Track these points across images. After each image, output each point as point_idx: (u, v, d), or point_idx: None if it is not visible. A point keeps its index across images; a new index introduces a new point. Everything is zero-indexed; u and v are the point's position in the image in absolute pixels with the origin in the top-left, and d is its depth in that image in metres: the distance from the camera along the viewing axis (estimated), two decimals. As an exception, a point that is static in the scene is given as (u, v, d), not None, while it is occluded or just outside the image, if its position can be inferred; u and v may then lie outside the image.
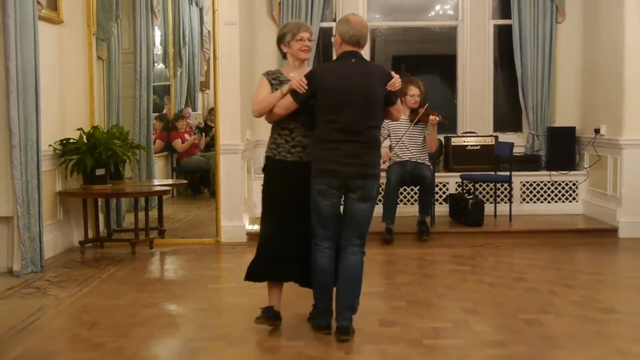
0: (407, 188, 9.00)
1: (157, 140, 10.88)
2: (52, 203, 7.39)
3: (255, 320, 4.85)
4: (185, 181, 10.60)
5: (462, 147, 9.30)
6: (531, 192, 9.23)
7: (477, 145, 9.30)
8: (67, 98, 7.67)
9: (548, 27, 9.32)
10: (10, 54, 6.34)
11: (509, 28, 9.50)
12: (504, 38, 9.73)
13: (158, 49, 11.39)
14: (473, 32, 9.68)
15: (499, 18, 9.74)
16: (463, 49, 9.74)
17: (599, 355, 4.46)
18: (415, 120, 7.85)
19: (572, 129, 9.27)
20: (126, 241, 7.68)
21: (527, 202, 9.22)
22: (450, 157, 9.30)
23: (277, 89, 4.78)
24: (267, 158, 4.91)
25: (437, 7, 10.11)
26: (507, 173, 8.62)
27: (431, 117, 7.76)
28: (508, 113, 9.92)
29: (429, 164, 8.10)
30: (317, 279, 4.73)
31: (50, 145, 7.27)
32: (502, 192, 9.10)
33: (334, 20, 9.48)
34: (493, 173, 8.91)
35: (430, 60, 10.76)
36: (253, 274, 4.88)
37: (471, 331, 4.93)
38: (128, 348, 4.64)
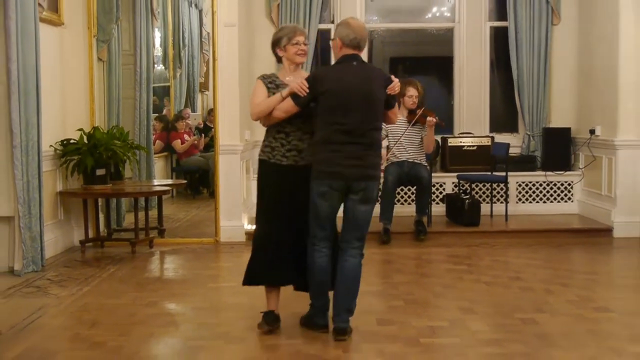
0: (404, 188, 9.00)
1: (157, 141, 10.88)
2: (52, 203, 7.39)
3: (257, 326, 4.84)
4: (185, 181, 10.61)
5: (459, 148, 9.31)
6: (527, 192, 9.24)
7: (473, 146, 9.31)
8: (67, 99, 7.67)
9: (544, 29, 9.33)
10: (12, 55, 6.33)
11: (505, 30, 9.51)
12: (500, 40, 9.74)
13: (158, 51, 11.38)
14: (469, 34, 9.69)
15: (495, 20, 9.75)
16: (459, 51, 9.75)
17: (594, 354, 4.46)
18: (413, 121, 7.86)
19: (568, 129, 9.28)
20: (126, 241, 7.68)
21: (523, 202, 9.22)
22: (447, 157, 9.30)
23: (273, 93, 4.73)
24: (262, 161, 4.86)
25: (434, 9, 10.11)
26: (503, 173, 8.63)
27: (428, 118, 7.76)
28: (504, 114, 9.93)
29: (426, 164, 8.11)
30: (314, 278, 4.72)
31: (51, 145, 7.27)
32: (498, 192, 9.10)
33: (332, 22, 9.48)
34: (489, 173, 8.91)
35: (427, 62, 10.75)
36: (251, 277, 4.86)
37: (468, 330, 4.93)
38: (128, 347, 4.64)
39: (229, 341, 4.73)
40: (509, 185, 8.88)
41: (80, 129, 7.61)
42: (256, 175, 5.12)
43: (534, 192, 9.24)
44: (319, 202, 4.61)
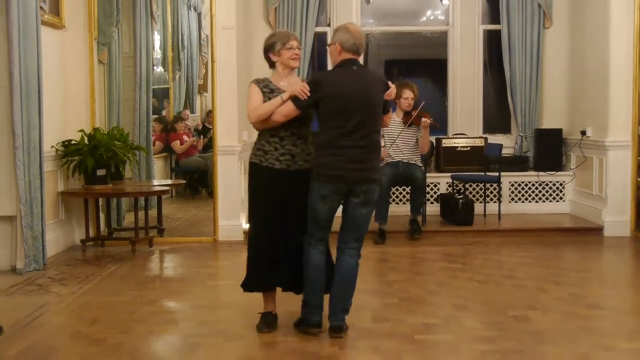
0: (399, 188, 9.01)
1: (157, 142, 10.87)
2: (54, 203, 7.38)
3: (256, 328, 4.82)
4: (184, 181, 10.61)
5: (453, 149, 9.32)
6: (519, 192, 9.25)
7: (467, 147, 9.31)
8: (68, 101, 7.66)
9: (536, 32, 9.34)
10: (14, 58, 6.32)
11: (498, 33, 9.53)
12: (493, 43, 9.76)
13: (157, 53, 11.37)
14: (463, 36, 9.69)
15: (488, 23, 9.76)
16: (453, 53, 9.75)
17: (586, 350, 4.47)
18: (409, 123, 7.86)
19: (559, 130, 9.29)
20: (126, 240, 7.68)
21: (516, 202, 9.23)
22: (441, 158, 9.31)
23: (269, 97, 4.68)
24: (253, 164, 4.80)
25: (429, 13, 10.13)
26: (496, 173, 8.63)
27: (423, 119, 7.78)
28: (497, 115, 9.94)
29: (421, 164, 8.11)
30: (310, 275, 4.69)
31: (52, 146, 7.26)
32: (491, 192, 9.10)
33: (329, 25, 9.49)
34: (482, 173, 8.92)
35: (422, 64, 10.77)
36: (248, 285, 4.85)
37: (461, 327, 4.94)
38: (128, 344, 4.64)
39: (228, 338, 4.73)
40: (502, 185, 8.89)
41: (81, 130, 7.60)
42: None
43: (526, 192, 9.25)
44: (319, 205, 4.58)
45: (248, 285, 4.86)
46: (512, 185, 9.22)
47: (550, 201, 9.24)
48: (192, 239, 8.09)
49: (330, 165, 4.53)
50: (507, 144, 9.49)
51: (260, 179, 4.74)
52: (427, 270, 6.85)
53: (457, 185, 8.94)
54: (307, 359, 4.37)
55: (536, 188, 9.24)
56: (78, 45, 7.85)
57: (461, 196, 8.56)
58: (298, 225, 4.70)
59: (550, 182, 9.23)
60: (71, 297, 5.75)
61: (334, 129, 4.53)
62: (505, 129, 9.83)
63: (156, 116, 11.10)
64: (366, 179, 4.58)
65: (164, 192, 8.69)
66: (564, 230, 8.36)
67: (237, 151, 7.91)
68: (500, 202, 8.83)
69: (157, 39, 11.24)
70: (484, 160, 9.04)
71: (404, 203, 9.02)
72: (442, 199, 8.84)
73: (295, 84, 4.71)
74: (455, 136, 9.50)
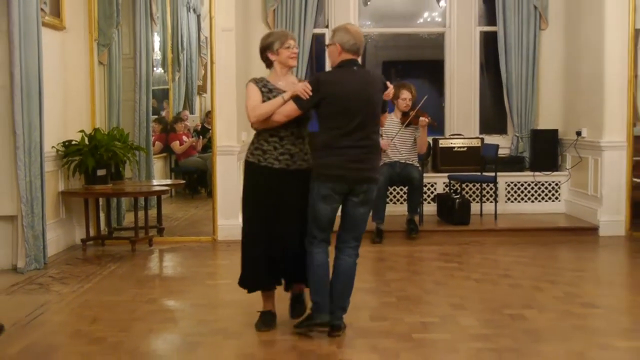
0: (396, 188, 9.01)
1: (156, 142, 10.86)
2: (54, 202, 7.38)
3: (255, 326, 4.82)
4: (183, 181, 10.59)
5: (450, 149, 9.32)
6: (515, 192, 9.25)
7: (463, 147, 9.32)
8: (69, 101, 7.65)
9: (532, 34, 9.35)
10: (15, 59, 6.32)
11: (494, 35, 9.53)
12: (489, 44, 9.76)
13: (157, 54, 11.36)
14: (460, 38, 9.70)
15: (484, 25, 9.77)
16: (450, 55, 9.76)
17: (581, 349, 4.47)
18: (407, 122, 7.87)
19: (555, 131, 9.30)
20: (126, 239, 7.67)
21: (512, 202, 9.24)
22: (438, 158, 9.32)
23: (267, 97, 4.64)
24: (250, 164, 4.73)
25: (426, 14, 10.13)
26: (493, 174, 8.64)
27: (421, 118, 7.79)
28: (493, 116, 9.95)
29: (418, 165, 8.11)
30: (316, 274, 4.63)
31: (53, 146, 7.26)
32: (487, 192, 9.12)
33: (327, 26, 9.50)
34: (479, 174, 8.93)
35: (419, 65, 10.77)
36: (245, 282, 4.84)
37: (458, 325, 4.94)
38: (128, 342, 4.64)
39: (227, 337, 4.73)
40: (498, 185, 8.90)
41: (82, 131, 7.60)
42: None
43: (522, 191, 9.25)
44: (321, 205, 4.55)
45: (246, 284, 4.85)
46: (508, 185, 9.23)
47: (546, 201, 9.25)
48: (192, 238, 8.09)
49: (331, 165, 4.51)
50: (504, 144, 9.51)
51: (258, 178, 4.71)
52: (424, 270, 6.85)
53: (454, 185, 8.94)
54: (306, 358, 4.37)
55: (532, 188, 9.25)
56: (78, 47, 7.85)
57: (458, 196, 8.56)
58: (296, 224, 4.68)
59: (546, 182, 9.23)
60: (71, 296, 5.75)
61: (334, 129, 4.51)
62: (502, 130, 9.84)
63: (156, 117, 11.09)
64: (366, 179, 4.58)
65: (163, 192, 8.68)
66: (560, 229, 8.36)
67: (236, 151, 7.91)
68: (496, 202, 8.84)
69: (156, 40, 11.23)
70: (480, 161, 9.05)
71: (401, 203, 9.02)
72: (439, 199, 8.85)
73: (293, 84, 4.70)
74: (452, 137, 9.51)
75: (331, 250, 4.75)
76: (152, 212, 8.59)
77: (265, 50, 4.78)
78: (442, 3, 9.90)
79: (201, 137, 11.79)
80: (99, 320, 5.09)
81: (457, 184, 8.92)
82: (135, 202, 7.71)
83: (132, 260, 7.12)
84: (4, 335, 4.58)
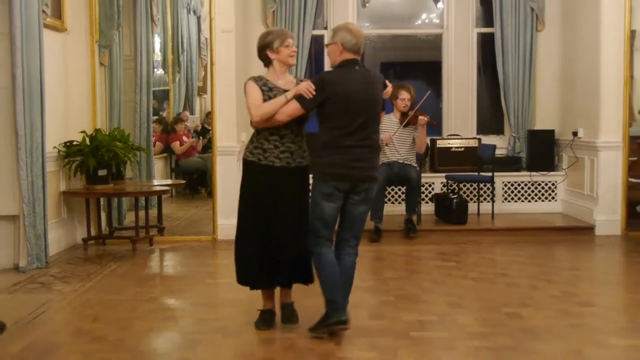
0: (394, 188, 9.02)
1: (157, 143, 10.87)
2: (56, 202, 7.37)
3: (255, 325, 4.82)
4: (184, 181, 10.61)
5: (447, 149, 9.33)
6: (512, 191, 9.25)
7: (461, 147, 9.32)
8: (70, 102, 7.65)
9: (529, 35, 9.35)
10: (17, 61, 6.32)
11: (491, 36, 9.53)
12: (487, 45, 9.77)
13: (157, 56, 11.36)
14: (457, 39, 9.70)
15: (482, 26, 9.77)
16: (448, 56, 9.76)
17: (577, 347, 4.47)
18: (405, 122, 7.88)
19: (551, 131, 9.30)
20: (127, 238, 7.68)
21: (509, 202, 9.24)
22: (436, 158, 9.32)
23: (268, 96, 4.60)
24: (250, 163, 4.69)
25: (424, 16, 10.14)
26: (490, 174, 8.64)
27: (420, 117, 7.79)
28: (491, 116, 9.96)
29: (416, 165, 8.12)
30: (329, 274, 4.56)
31: (54, 147, 7.26)
32: (485, 192, 9.12)
33: (325, 28, 9.49)
34: (476, 174, 8.93)
35: (417, 67, 10.78)
36: (243, 278, 4.82)
37: (456, 324, 4.94)
38: (129, 340, 4.64)
39: (227, 335, 4.72)
40: (495, 185, 8.89)
41: (83, 131, 7.60)
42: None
43: (519, 191, 9.26)
44: (325, 204, 4.53)
45: (244, 280, 4.81)
46: (505, 185, 9.23)
47: (543, 201, 9.25)
48: (192, 237, 8.09)
49: (334, 164, 4.49)
50: (501, 144, 9.50)
51: (258, 177, 4.68)
52: (422, 269, 6.86)
53: (451, 185, 8.94)
54: (304, 356, 4.38)
55: (529, 188, 9.25)
56: (80, 48, 7.85)
57: (455, 196, 8.57)
58: (294, 223, 4.67)
59: (543, 182, 9.24)
60: (73, 294, 5.75)
61: (337, 129, 4.49)
62: (499, 130, 9.84)
63: (156, 117, 11.10)
64: (368, 178, 4.58)
65: (164, 191, 8.69)
66: (556, 229, 8.37)
67: (236, 152, 7.91)
68: (493, 201, 8.84)
69: (157, 41, 11.23)
70: (477, 161, 9.05)
71: (399, 203, 9.03)
72: (437, 199, 8.85)
73: (292, 83, 4.70)
74: (449, 137, 9.51)
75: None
76: (153, 212, 8.59)
77: (265, 48, 4.73)
78: (439, 5, 9.90)
79: (201, 137, 11.80)
80: (100, 319, 5.09)
81: (454, 183, 8.93)
82: (136, 202, 7.72)
83: (133, 260, 7.12)
84: (6, 334, 4.59)
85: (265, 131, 4.66)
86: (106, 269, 6.65)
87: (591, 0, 8.31)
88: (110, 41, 8.30)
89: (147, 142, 9.49)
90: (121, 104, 8.73)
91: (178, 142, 11.25)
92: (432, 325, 4.93)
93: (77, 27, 7.76)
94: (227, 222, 7.89)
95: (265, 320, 4.82)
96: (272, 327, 4.81)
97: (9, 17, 6.30)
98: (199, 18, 12.68)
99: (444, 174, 9.01)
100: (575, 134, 8.72)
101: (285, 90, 4.61)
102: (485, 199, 9.05)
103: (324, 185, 4.52)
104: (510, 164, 9.33)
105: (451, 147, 9.33)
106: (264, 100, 4.61)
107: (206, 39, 11.84)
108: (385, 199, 8.40)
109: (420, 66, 10.73)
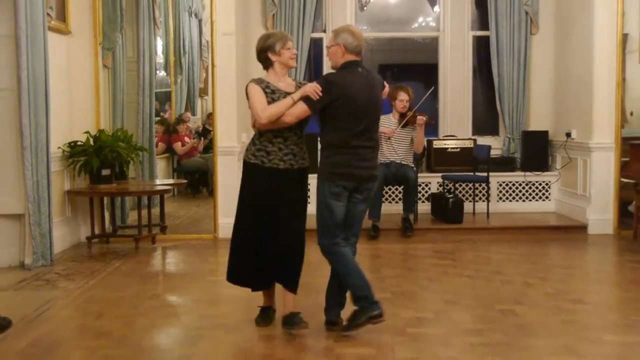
0: (392, 187, 9.03)
1: (159, 143, 10.87)
2: (61, 201, 7.38)
3: (255, 322, 4.82)
4: (185, 181, 10.62)
5: (443, 150, 9.33)
6: (507, 191, 9.27)
7: (457, 148, 9.33)
8: (74, 103, 7.66)
9: (523, 38, 9.36)
10: (22, 63, 6.33)
11: (486, 39, 9.55)
12: (482, 48, 9.78)
13: (160, 58, 11.37)
14: (453, 42, 9.71)
15: (477, 29, 9.78)
16: (444, 58, 9.77)
17: (570, 343, 4.48)
18: (404, 122, 7.89)
19: (545, 132, 9.31)
20: (130, 237, 7.69)
21: (504, 201, 9.25)
22: (432, 158, 9.33)
23: (271, 98, 4.53)
24: (253, 165, 4.62)
25: (420, 19, 10.14)
26: (485, 174, 8.65)
27: (419, 117, 7.81)
28: (486, 118, 9.96)
29: (413, 165, 8.13)
30: (356, 271, 4.54)
31: (59, 147, 7.26)
32: (480, 192, 9.13)
33: (324, 31, 9.50)
34: (472, 174, 8.93)
35: (414, 69, 10.79)
36: (235, 278, 4.79)
37: (451, 321, 4.95)
38: (132, 336, 4.65)
39: (228, 331, 4.74)
40: (490, 185, 8.91)
41: (87, 132, 7.61)
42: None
43: (513, 191, 9.27)
44: (333, 203, 4.51)
45: (235, 279, 4.80)
46: (500, 185, 9.24)
47: (537, 200, 9.26)
48: (193, 236, 8.09)
49: (340, 164, 4.48)
50: (496, 145, 9.52)
51: (260, 179, 4.62)
52: (418, 267, 6.86)
53: (447, 185, 8.95)
54: (304, 352, 4.39)
55: (523, 188, 9.26)
56: (83, 50, 7.86)
57: (451, 195, 8.58)
58: (294, 224, 4.66)
59: (537, 182, 9.25)
60: (77, 291, 5.75)
61: (343, 130, 4.47)
62: (494, 131, 9.85)
63: (158, 118, 11.10)
64: (372, 177, 4.60)
65: (166, 191, 8.68)
66: (550, 228, 8.38)
67: (237, 152, 7.92)
68: (488, 201, 8.85)
69: (159, 44, 11.23)
70: (473, 161, 9.06)
71: (396, 202, 9.04)
72: (433, 198, 8.86)
73: (292, 86, 4.69)
74: (445, 138, 9.52)
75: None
76: (155, 211, 8.57)
77: (266, 50, 4.66)
78: (436, 8, 9.91)
79: (202, 138, 11.80)
80: (104, 316, 5.10)
81: (450, 183, 8.94)
82: (139, 201, 7.73)
83: (136, 258, 7.13)
84: (12, 330, 4.60)
85: (268, 133, 4.60)
86: (110, 267, 6.66)
87: (584, 5, 8.33)
88: (113, 43, 8.30)
89: (150, 143, 9.48)
90: (124, 105, 8.73)
91: (180, 143, 11.25)
92: (429, 322, 4.94)
93: (81, 30, 7.76)
94: (227, 220, 7.86)
95: (265, 316, 4.83)
96: (270, 324, 4.82)
97: (14, 20, 6.31)
98: (200, 21, 12.68)
99: (440, 174, 9.02)
100: (568, 135, 8.73)
101: (287, 93, 4.58)
102: (480, 198, 9.07)
103: (332, 185, 4.51)
104: (505, 164, 9.34)
105: (447, 148, 9.34)
106: (267, 103, 4.54)
107: (207, 41, 11.84)
108: (383, 199, 8.41)
109: (416, 68, 10.74)
